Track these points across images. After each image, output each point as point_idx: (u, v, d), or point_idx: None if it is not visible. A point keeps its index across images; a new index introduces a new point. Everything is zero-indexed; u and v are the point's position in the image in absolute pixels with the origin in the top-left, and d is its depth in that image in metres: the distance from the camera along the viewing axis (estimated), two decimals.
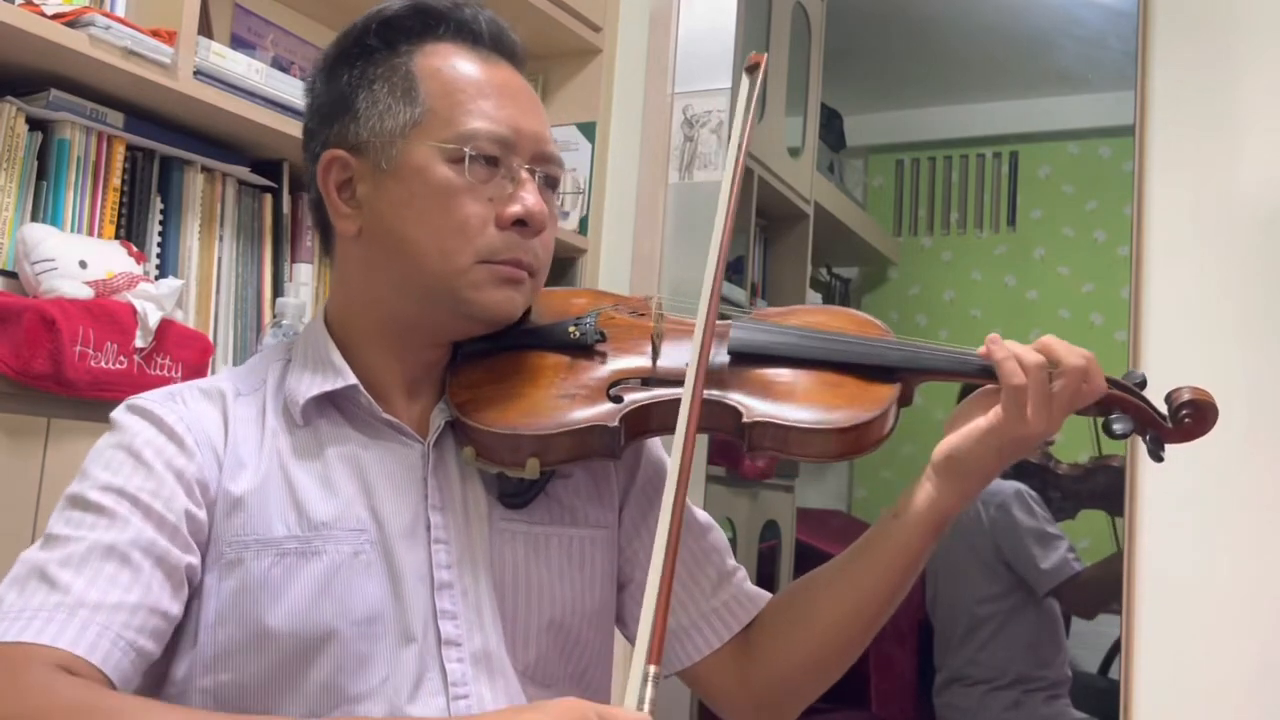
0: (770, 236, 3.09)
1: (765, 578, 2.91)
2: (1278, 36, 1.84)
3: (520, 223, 0.97)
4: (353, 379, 0.98)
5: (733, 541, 2.75)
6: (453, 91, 0.98)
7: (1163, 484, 1.80)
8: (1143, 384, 1.03)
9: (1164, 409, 1.02)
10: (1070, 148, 3.74)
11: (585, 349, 1.02)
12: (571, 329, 1.02)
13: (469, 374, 1.01)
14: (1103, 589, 2.55)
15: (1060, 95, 3.64)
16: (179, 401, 0.96)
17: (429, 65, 0.99)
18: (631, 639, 1.11)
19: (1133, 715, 1.79)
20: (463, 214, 0.95)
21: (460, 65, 0.99)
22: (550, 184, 1.02)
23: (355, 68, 1.00)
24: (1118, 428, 0.99)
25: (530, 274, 0.99)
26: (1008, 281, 3.79)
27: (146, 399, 0.96)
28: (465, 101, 0.97)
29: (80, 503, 0.89)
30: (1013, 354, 0.96)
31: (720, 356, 1.01)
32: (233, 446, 0.95)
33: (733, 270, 2.76)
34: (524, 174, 0.98)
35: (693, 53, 2.28)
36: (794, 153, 3.01)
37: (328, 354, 1.00)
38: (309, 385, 0.98)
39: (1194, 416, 1.00)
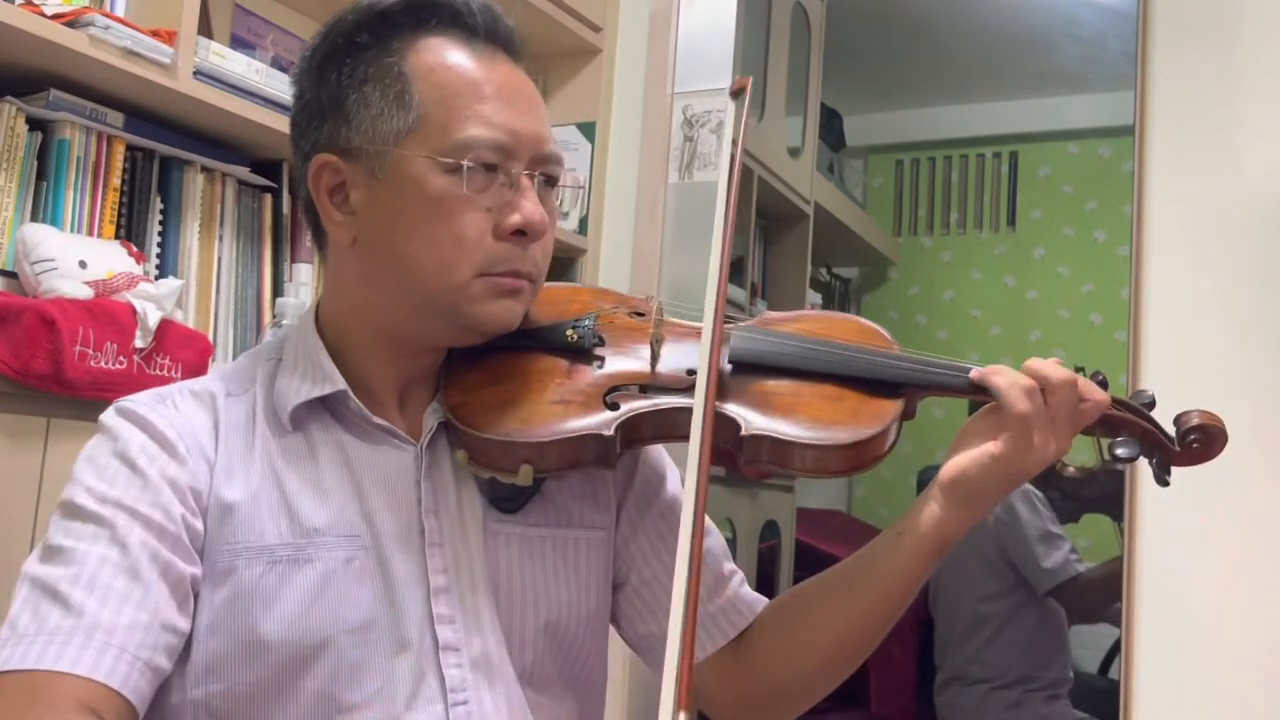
0: (770, 236, 3.09)
1: (765, 577, 2.91)
2: (1278, 37, 1.84)
3: (519, 232, 0.94)
4: (342, 384, 0.96)
5: (732, 542, 2.76)
6: (448, 96, 0.94)
7: None
8: (1151, 404, 1.01)
9: (1171, 431, 1.00)
10: (1070, 148, 3.74)
11: (583, 353, 1.00)
12: (570, 332, 1.00)
13: (463, 375, 0.99)
14: (1103, 593, 2.55)
15: (1060, 95, 3.64)
16: (169, 405, 0.94)
17: (422, 64, 0.95)
18: (627, 640, 1.10)
19: (1133, 715, 1.79)
20: (460, 226, 0.93)
21: (455, 64, 0.95)
22: (549, 183, 0.99)
23: (345, 65, 0.96)
24: (1122, 451, 0.98)
25: (530, 282, 0.97)
26: (1008, 281, 3.79)
27: (136, 402, 0.94)
28: (461, 107, 0.94)
29: (80, 513, 0.88)
30: (1013, 382, 0.94)
31: (721, 364, 0.99)
32: (224, 452, 0.93)
33: (733, 270, 2.75)
34: (524, 180, 0.95)
35: (693, 53, 2.28)
36: (794, 153, 3.01)
37: (317, 358, 0.98)
38: (297, 390, 0.96)
39: (1202, 441, 0.98)
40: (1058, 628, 2.68)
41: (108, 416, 0.94)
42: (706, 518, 1.12)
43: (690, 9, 2.29)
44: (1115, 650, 2.76)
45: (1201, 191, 1.85)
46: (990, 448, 0.94)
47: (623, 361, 1.00)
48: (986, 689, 2.67)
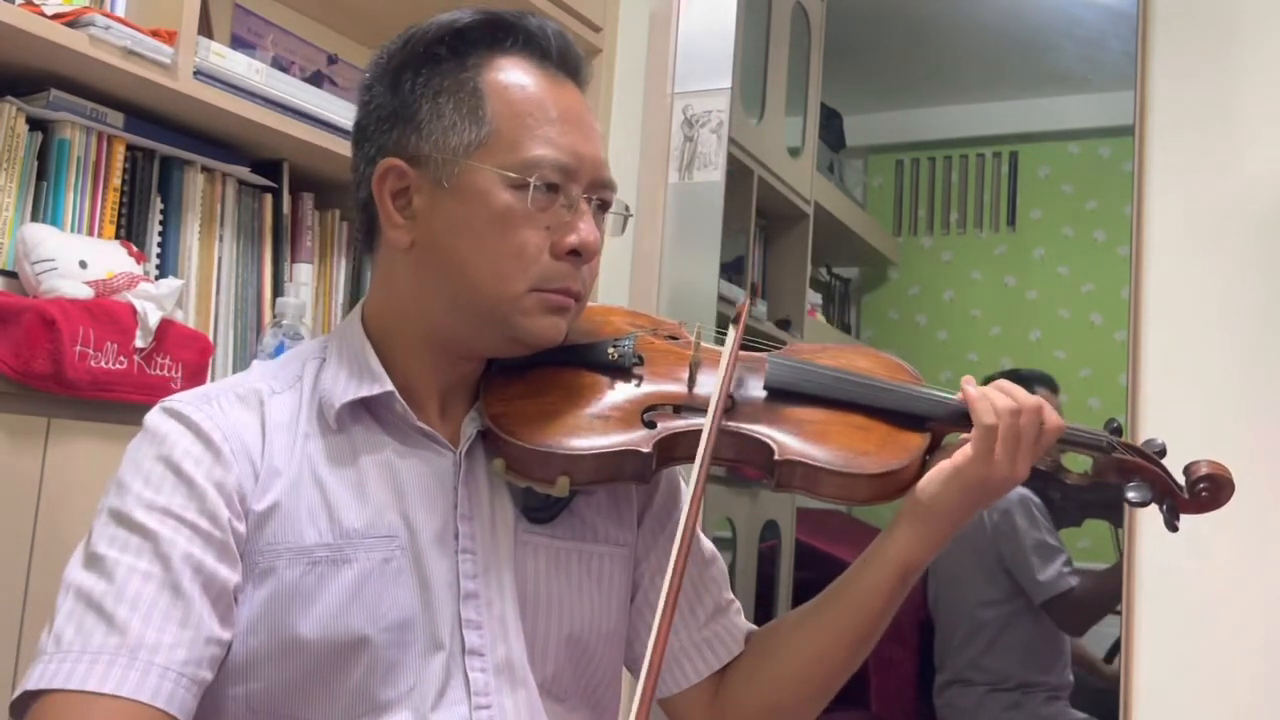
0: (770, 236, 3.09)
1: (765, 578, 2.91)
2: (1278, 37, 1.84)
3: (575, 253, 0.98)
4: (389, 385, 0.98)
5: (732, 541, 2.76)
6: (519, 114, 0.97)
7: None
8: (1162, 453, 1.04)
9: (1181, 480, 1.03)
10: (1070, 148, 3.73)
11: (622, 371, 1.03)
12: (611, 350, 1.03)
13: (504, 386, 1.02)
14: (1094, 607, 2.55)
15: (1060, 95, 3.63)
16: (216, 406, 0.95)
17: (496, 82, 0.98)
18: (624, 658, 1.11)
19: (1133, 715, 1.79)
20: (520, 241, 0.96)
21: (527, 85, 0.99)
22: (602, 207, 1.03)
23: (420, 75, 0.99)
24: (1134, 496, 1.02)
25: (577, 300, 1.00)
26: (1008, 281, 3.79)
27: (182, 402, 0.95)
28: (532, 126, 0.97)
29: (126, 521, 0.89)
30: (985, 394, 0.98)
31: (756, 391, 1.02)
32: (269, 455, 0.95)
33: (733, 270, 2.76)
34: (582, 203, 0.98)
35: (693, 53, 2.28)
36: (794, 153, 3.01)
37: (365, 358, 1.00)
38: (345, 389, 0.98)
39: (1210, 490, 1.02)
40: (1056, 633, 2.68)
41: (153, 417, 0.95)
42: (712, 545, 1.14)
43: (690, 9, 2.29)
44: (1115, 649, 2.76)
45: (1201, 191, 1.85)
46: (946, 463, 0.97)
47: (660, 382, 1.03)
48: (985, 690, 2.67)
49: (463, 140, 0.97)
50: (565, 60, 1.03)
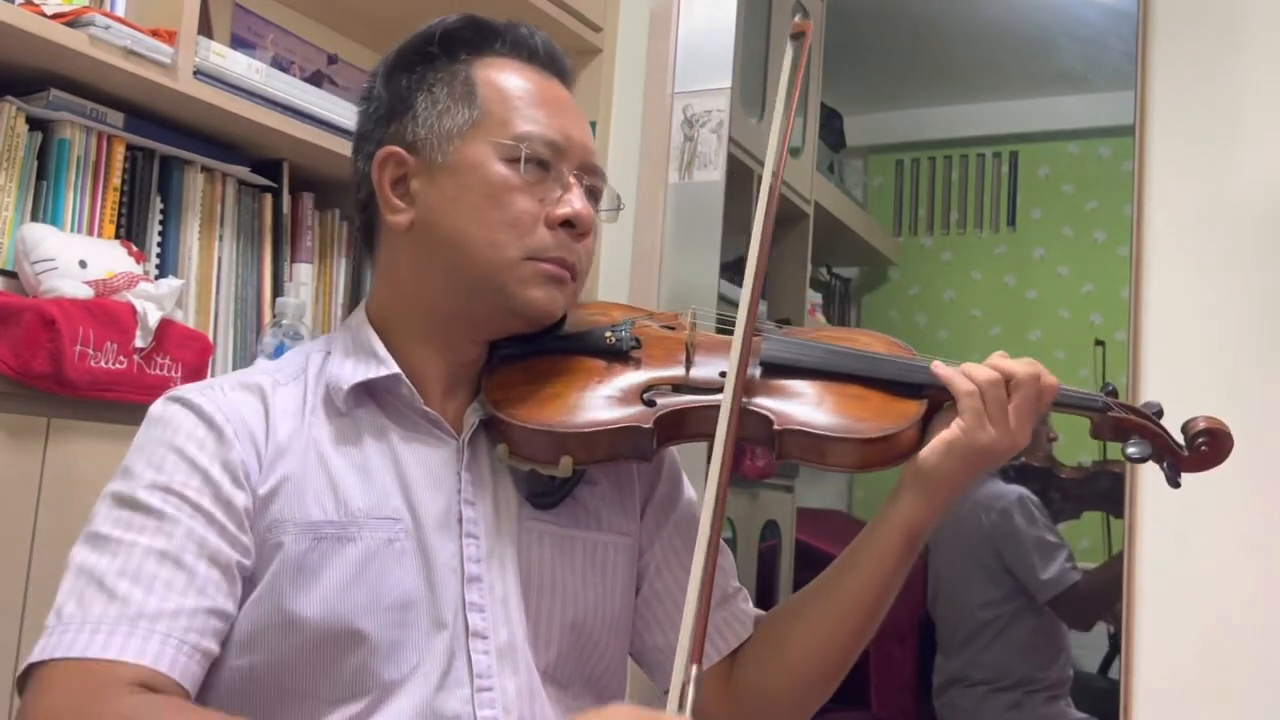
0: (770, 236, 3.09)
1: (765, 578, 2.91)
2: (1278, 37, 1.84)
3: (568, 224, 1.00)
4: (395, 368, 1.00)
5: (732, 542, 2.75)
6: (509, 98, 1.02)
7: (1162, 485, 1.80)
8: (1159, 414, 1.05)
9: (1180, 438, 1.05)
10: (1070, 148, 3.73)
11: (620, 355, 1.05)
12: (608, 335, 1.05)
13: (504, 374, 1.04)
14: (1100, 600, 2.55)
15: (1060, 95, 3.63)
16: (218, 391, 0.98)
17: (487, 74, 1.03)
18: (632, 650, 1.11)
19: (1133, 715, 1.79)
20: (515, 210, 0.99)
21: (516, 77, 1.04)
22: (593, 196, 1.05)
23: (415, 72, 1.04)
24: (1133, 451, 1.04)
25: (573, 275, 1.03)
26: (1008, 281, 3.79)
27: (185, 390, 0.99)
28: (521, 107, 1.02)
29: (129, 502, 0.91)
30: (961, 368, 1.00)
31: (753, 368, 1.04)
32: (273, 435, 0.97)
33: (733, 270, 2.76)
34: (572, 179, 1.02)
35: (693, 53, 2.28)
36: (794, 152, 3.01)
37: (370, 344, 1.03)
38: (352, 372, 1.00)
39: (1210, 445, 1.04)
40: (1057, 630, 2.68)
41: (158, 406, 0.98)
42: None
43: (690, 9, 2.29)
44: (1115, 650, 2.76)
45: (1201, 191, 1.85)
46: (944, 433, 0.99)
47: (658, 364, 1.05)
48: (986, 690, 2.67)
49: (456, 121, 1.01)
50: (552, 61, 1.08)
